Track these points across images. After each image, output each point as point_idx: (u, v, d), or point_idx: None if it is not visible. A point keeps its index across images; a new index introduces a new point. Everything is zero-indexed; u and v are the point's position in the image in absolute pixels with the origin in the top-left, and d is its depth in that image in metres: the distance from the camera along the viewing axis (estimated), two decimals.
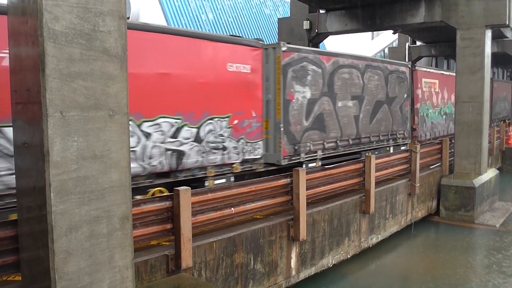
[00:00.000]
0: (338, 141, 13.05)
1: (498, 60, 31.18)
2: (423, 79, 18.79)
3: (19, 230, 4.68)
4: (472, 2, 13.83)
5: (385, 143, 15.59)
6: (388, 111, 15.52)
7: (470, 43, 14.03)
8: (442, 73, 21.33)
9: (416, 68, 18.39)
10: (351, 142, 13.63)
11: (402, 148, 15.98)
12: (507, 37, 24.23)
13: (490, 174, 15.31)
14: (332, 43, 30.87)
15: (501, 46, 25.70)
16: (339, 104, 12.99)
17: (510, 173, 22.77)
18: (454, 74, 21.26)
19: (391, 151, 15.49)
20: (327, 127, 12.56)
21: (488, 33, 14.16)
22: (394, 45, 33.18)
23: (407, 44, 28.58)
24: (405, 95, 16.71)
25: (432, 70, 20.76)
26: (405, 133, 16.68)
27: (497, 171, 16.40)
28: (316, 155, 12.22)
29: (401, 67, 16.55)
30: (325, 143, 12.50)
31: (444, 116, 20.91)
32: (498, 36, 22.84)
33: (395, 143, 16.10)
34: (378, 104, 14.91)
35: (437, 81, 20.22)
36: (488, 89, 14.52)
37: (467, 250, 11.89)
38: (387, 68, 15.60)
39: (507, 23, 13.72)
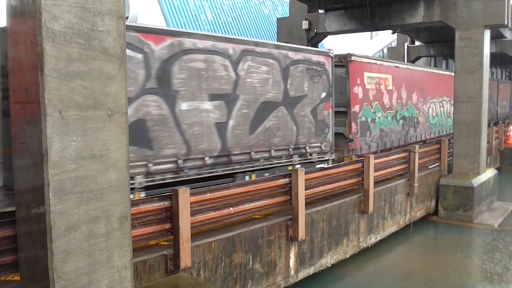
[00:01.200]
0: (181, 161, 8.82)
1: (497, 60, 31.23)
2: (366, 74, 14.47)
3: (17, 230, 4.67)
4: (471, 2, 13.85)
5: (284, 160, 11.13)
6: (289, 117, 11.18)
7: (469, 43, 14.04)
8: (397, 66, 16.87)
9: (353, 58, 13.79)
10: (210, 161, 9.35)
11: (320, 166, 11.80)
12: (506, 37, 24.27)
13: (488, 174, 15.33)
14: (331, 43, 30.88)
15: (499, 46, 25.75)
16: (183, 106, 8.83)
17: (509, 173, 22.80)
18: (420, 68, 19.60)
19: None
20: (154, 141, 8.39)
21: (487, 33, 14.17)
22: (393, 45, 33.21)
23: (406, 44, 28.61)
24: (323, 95, 12.28)
25: (380, 62, 15.95)
26: (322, 146, 12.24)
27: (496, 171, 16.42)
28: (133, 183, 7.89)
29: (315, 56, 12.10)
30: (149, 165, 8.27)
31: (401, 121, 16.75)
32: (497, 36, 22.87)
33: (304, 159, 11.71)
34: (267, 106, 10.59)
35: (389, 77, 15.86)
36: (486, 89, 14.53)
37: (466, 250, 11.90)
38: (288, 56, 11.18)
39: (506, 23, 13.74)
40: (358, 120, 13.90)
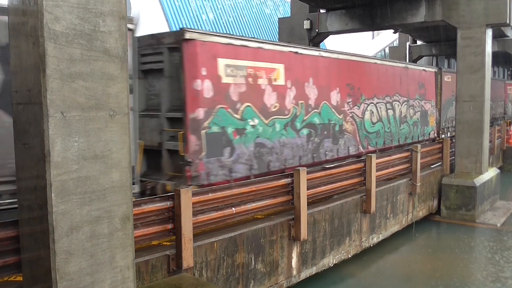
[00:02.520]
0: None
1: (499, 59, 31.16)
2: (223, 61, 9.44)
3: (20, 231, 4.68)
4: (472, 1, 13.82)
5: None
6: None
7: (470, 42, 14.02)
8: (297, 52, 11.45)
9: (191, 36, 8.87)
10: None
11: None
12: (508, 36, 24.21)
13: (491, 173, 15.30)
14: (332, 43, 30.85)
15: (501, 45, 25.69)
16: None
17: (511, 172, 22.74)
18: (348, 57, 13.48)
19: None
20: None
21: (489, 32, 14.14)
22: (394, 45, 33.18)
23: (407, 44, 28.58)
24: None
25: (257, 44, 10.40)
26: None
27: (498, 170, 16.39)
28: None
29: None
30: None
31: (305, 131, 11.55)
32: (498, 35, 22.82)
33: None
34: None
35: (279, 66, 10.77)
36: (489, 88, 14.50)
37: (468, 250, 11.88)
38: None
39: (508, 22, 13.71)
40: (204, 131, 8.97)
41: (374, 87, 14.87)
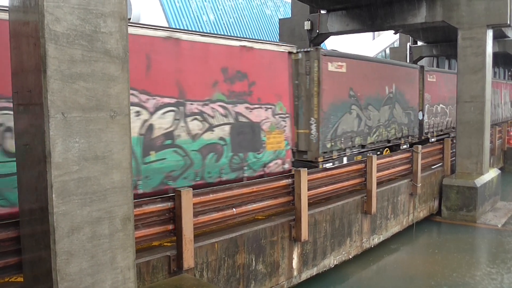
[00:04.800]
0: None
1: (500, 60, 31.13)
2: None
3: (21, 231, 4.69)
4: (473, 2, 13.82)
5: None
6: None
7: (471, 43, 14.02)
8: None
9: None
10: None
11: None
12: (509, 37, 24.17)
13: (492, 174, 15.28)
14: (333, 44, 30.88)
15: (502, 46, 25.67)
16: None
17: None
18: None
19: None
20: None
21: (490, 33, 14.14)
22: (395, 45, 33.17)
23: (408, 44, 28.56)
24: None
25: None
26: None
27: (499, 171, 16.37)
28: None
29: None
30: None
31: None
32: (499, 36, 22.78)
33: None
34: None
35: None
36: (489, 89, 14.49)
37: (469, 250, 11.87)
38: None
39: (509, 22, 13.71)
40: None
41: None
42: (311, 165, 11.67)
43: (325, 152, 12.19)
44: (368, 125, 14.31)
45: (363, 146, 14.08)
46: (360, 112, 13.84)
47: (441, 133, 20.55)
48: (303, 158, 12.07)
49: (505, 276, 9.97)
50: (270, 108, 10.17)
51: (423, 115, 18.31)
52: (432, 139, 19.10)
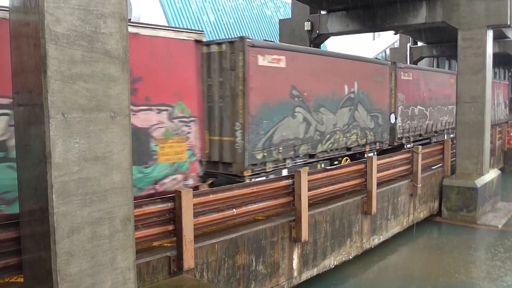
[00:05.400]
0: None
1: (500, 60, 31.14)
2: None
3: (21, 232, 4.68)
4: (473, 3, 13.82)
5: None
6: None
7: (471, 44, 14.02)
8: None
9: None
10: None
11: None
12: (509, 37, 24.20)
13: (492, 174, 15.28)
14: (333, 44, 30.89)
15: (502, 47, 25.69)
16: None
17: None
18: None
19: None
20: None
21: (490, 34, 14.14)
22: (395, 46, 33.18)
23: (408, 45, 28.58)
24: None
25: None
26: None
27: (499, 172, 16.37)
28: None
29: None
30: None
31: None
32: (499, 37, 22.81)
33: None
34: None
35: None
36: (489, 89, 14.50)
37: (470, 251, 11.86)
38: None
39: (509, 23, 13.71)
40: None
41: None
42: (236, 180, 9.48)
43: (254, 165, 10.03)
44: (320, 131, 12.13)
45: (312, 156, 11.98)
46: (308, 115, 11.67)
47: (420, 138, 18.39)
48: (228, 172, 9.91)
49: (506, 277, 9.97)
50: (165, 110, 8.06)
51: (395, 118, 16.10)
52: (408, 145, 16.85)
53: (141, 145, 7.68)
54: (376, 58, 29.05)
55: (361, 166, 10.76)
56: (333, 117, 12.66)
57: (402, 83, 16.57)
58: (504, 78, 43.14)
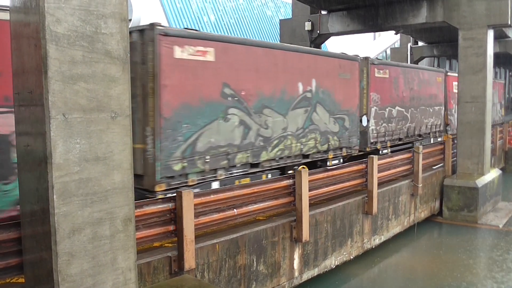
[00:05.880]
0: None
1: (500, 60, 31.13)
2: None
3: (22, 232, 4.68)
4: (474, 2, 13.81)
5: None
6: None
7: (472, 43, 14.01)
8: None
9: None
10: None
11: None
12: (509, 37, 24.19)
13: (493, 174, 15.27)
14: (334, 44, 30.89)
15: (503, 46, 25.67)
16: None
17: None
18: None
19: None
20: None
21: (490, 33, 14.14)
22: (396, 46, 33.17)
23: (409, 45, 28.57)
24: None
25: None
26: None
27: (500, 171, 16.36)
28: None
29: None
30: None
31: None
32: (500, 36, 22.81)
33: None
34: None
35: None
36: (490, 89, 14.49)
37: (471, 251, 11.85)
38: None
39: (510, 23, 13.70)
40: None
41: None
42: (147, 196, 7.93)
43: (171, 177, 8.35)
44: (264, 136, 10.24)
45: (255, 165, 10.13)
46: (247, 118, 9.83)
47: (400, 142, 16.44)
48: (140, 185, 8.20)
49: (506, 276, 9.96)
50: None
51: (367, 121, 14.35)
52: (384, 151, 15.21)
53: None
54: (377, 58, 29.00)
55: (362, 166, 10.76)
56: (283, 119, 10.78)
57: (377, 81, 14.84)
58: (505, 78, 43.10)
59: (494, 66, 27.69)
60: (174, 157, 8.37)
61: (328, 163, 12.32)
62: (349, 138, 13.28)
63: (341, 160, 12.93)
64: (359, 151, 13.99)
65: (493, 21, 13.68)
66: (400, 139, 16.52)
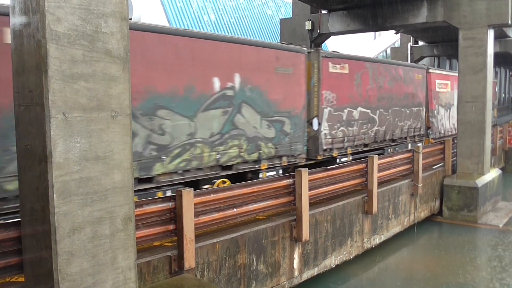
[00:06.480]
0: None
1: (501, 59, 31.13)
2: None
3: (22, 231, 4.68)
4: (474, 2, 13.81)
5: None
6: None
7: (472, 43, 14.01)
8: None
9: None
10: None
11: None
12: (510, 37, 24.19)
13: (493, 174, 15.27)
14: (334, 44, 30.88)
15: (503, 46, 25.67)
16: None
17: None
18: None
19: None
20: None
21: (491, 33, 14.13)
22: (396, 45, 33.17)
23: (409, 44, 28.57)
24: None
25: None
26: None
27: (500, 171, 16.36)
28: None
29: None
30: None
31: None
32: (500, 36, 22.82)
33: None
34: None
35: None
36: (490, 89, 14.49)
37: (471, 250, 11.85)
38: None
39: (510, 22, 13.70)
40: None
41: None
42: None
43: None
44: (158, 144, 8.52)
45: (146, 180, 8.46)
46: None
47: (365, 149, 14.44)
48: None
49: (506, 276, 9.96)
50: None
51: (319, 124, 12.50)
52: (344, 159, 13.31)
53: None
54: (376, 57, 28.94)
55: (362, 165, 10.75)
56: (188, 123, 9.02)
57: (331, 77, 12.74)
58: (505, 78, 43.10)
59: (494, 66, 27.68)
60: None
61: (261, 175, 10.56)
62: (290, 145, 11.38)
63: (280, 172, 11.10)
64: (308, 160, 12.14)
65: (494, 21, 13.68)
66: (365, 145, 14.59)
